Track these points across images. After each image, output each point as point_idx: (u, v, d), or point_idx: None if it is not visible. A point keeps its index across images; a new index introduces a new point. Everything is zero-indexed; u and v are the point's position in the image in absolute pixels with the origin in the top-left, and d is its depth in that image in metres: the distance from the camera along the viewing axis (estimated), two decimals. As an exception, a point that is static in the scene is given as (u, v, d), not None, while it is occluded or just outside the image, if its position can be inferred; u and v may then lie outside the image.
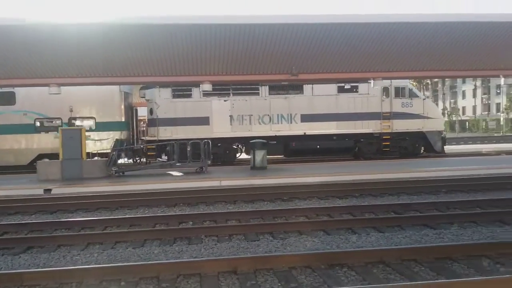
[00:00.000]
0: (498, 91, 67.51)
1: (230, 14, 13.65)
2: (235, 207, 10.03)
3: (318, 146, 19.97)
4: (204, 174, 15.28)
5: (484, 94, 74.79)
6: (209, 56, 13.57)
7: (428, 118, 20.48)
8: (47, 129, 18.92)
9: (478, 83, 72.88)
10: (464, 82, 74.63)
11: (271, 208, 9.58)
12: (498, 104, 68.65)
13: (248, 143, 18.84)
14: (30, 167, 18.11)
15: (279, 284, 5.13)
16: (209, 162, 16.50)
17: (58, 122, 18.82)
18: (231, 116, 19.52)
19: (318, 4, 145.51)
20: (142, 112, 21.72)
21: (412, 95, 20.68)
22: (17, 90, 18.36)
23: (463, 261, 5.64)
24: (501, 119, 59.50)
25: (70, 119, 18.86)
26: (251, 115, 19.60)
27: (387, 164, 16.75)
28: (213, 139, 18.07)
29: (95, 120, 19.02)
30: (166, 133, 19.05)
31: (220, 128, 19.36)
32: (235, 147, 20.28)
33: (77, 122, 19.09)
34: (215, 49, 13.09)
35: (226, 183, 13.22)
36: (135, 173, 15.93)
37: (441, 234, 7.06)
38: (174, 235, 7.39)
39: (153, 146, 19.07)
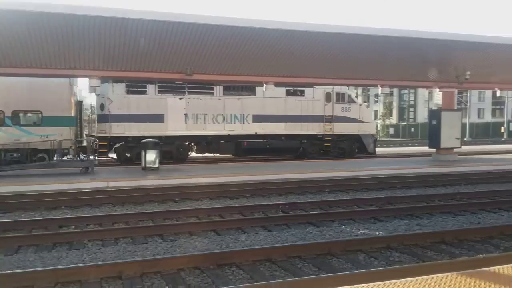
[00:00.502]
0: (376, 99, 73.83)
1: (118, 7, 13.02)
2: (123, 209, 9.63)
3: (268, 146, 20.59)
4: (90, 174, 14.44)
5: (364, 101, 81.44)
6: (93, 50, 12.84)
7: (363, 122, 22.26)
8: None
9: (359, 91, 79.03)
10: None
11: (161, 210, 9.38)
12: (376, 111, 75.18)
13: (201, 141, 20.07)
14: None
15: (167, 286, 5.03)
16: (96, 162, 15.64)
17: (0, 116, 17.32)
18: (186, 115, 19.48)
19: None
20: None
21: (350, 100, 22.30)
22: None
23: (341, 256, 6.04)
24: (378, 125, 65.22)
25: (14, 112, 17.38)
26: (206, 114, 19.74)
27: (300, 165, 17.35)
28: (167, 137, 18.69)
29: (42, 114, 17.63)
30: (118, 129, 18.46)
31: (175, 126, 19.20)
32: (188, 145, 20.43)
33: (22, 116, 17.73)
34: (98, 42, 12.39)
35: (114, 184, 12.62)
36: (10, 173, 14.51)
37: (323, 231, 7.49)
38: (53, 240, 6.86)
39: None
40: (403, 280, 3.83)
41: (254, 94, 20.52)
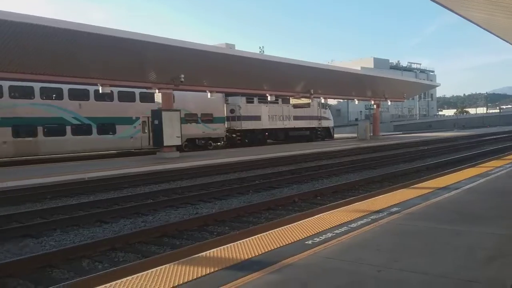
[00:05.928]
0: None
1: None
2: None
3: (298, 135, 35.24)
4: None
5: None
6: None
7: (330, 119, 39.57)
8: (189, 121, 27.39)
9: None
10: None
11: None
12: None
13: (272, 132, 33.62)
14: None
15: None
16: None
17: (195, 117, 27.99)
18: (268, 116, 32.65)
19: None
20: None
21: (326, 107, 38.73)
22: (175, 93, 22.81)
23: (64, 266, 5.67)
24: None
25: (202, 114, 28.34)
26: (276, 115, 33.35)
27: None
28: (262, 129, 32.32)
29: (213, 116, 28.86)
30: (245, 125, 30.96)
31: (265, 123, 32.32)
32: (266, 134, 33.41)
33: (205, 117, 28.55)
34: None
35: None
36: None
37: (44, 242, 6.89)
38: None
39: None
40: (124, 279, 3.87)
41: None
